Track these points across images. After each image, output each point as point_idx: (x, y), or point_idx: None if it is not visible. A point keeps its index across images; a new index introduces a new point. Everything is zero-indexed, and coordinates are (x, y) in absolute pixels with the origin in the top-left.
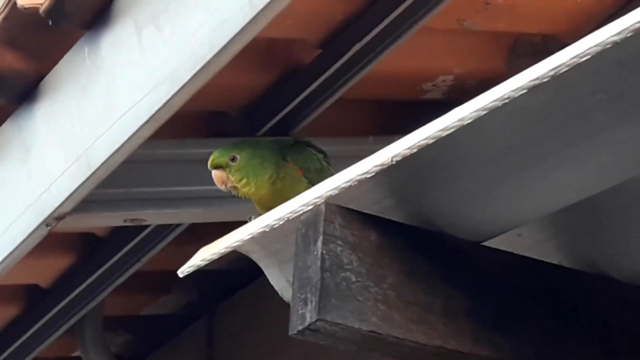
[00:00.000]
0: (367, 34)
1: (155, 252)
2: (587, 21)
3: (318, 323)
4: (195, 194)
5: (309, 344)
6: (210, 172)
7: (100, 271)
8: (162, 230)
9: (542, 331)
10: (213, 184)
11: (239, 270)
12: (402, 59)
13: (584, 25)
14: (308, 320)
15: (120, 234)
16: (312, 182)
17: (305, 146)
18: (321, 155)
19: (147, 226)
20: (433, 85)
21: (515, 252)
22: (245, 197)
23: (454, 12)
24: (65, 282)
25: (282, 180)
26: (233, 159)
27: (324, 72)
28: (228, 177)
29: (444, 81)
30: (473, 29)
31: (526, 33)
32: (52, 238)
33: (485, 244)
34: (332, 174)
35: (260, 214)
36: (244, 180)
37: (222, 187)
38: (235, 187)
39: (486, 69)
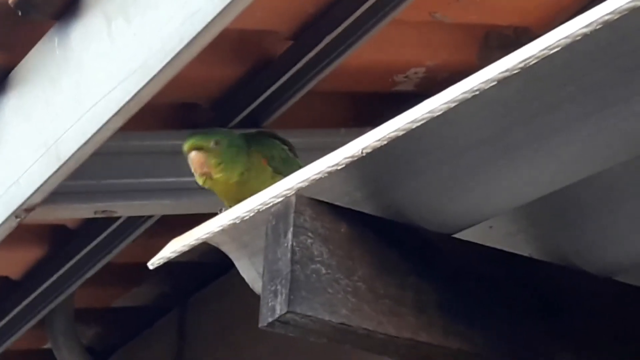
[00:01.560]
0: (339, 26)
1: (126, 244)
2: (558, 13)
3: (288, 315)
4: (166, 186)
5: (281, 335)
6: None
7: (71, 263)
8: (133, 222)
9: (513, 323)
10: (184, 175)
11: (211, 263)
12: (373, 51)
13: (555, 18)
14: (278, 313)
15: (91, 226)
16: (276, 171)
17: (269, 137)
18: (286, 147)
19: (118, 218)
20: (405, 77)
21: (486, 244)
22: (207, 186)
23: (425, 5)
24: (35, 274)
25: (248, 171)
26: (216, 143)
27: (295, 64)
28: (207, 160)
29: (415, 73)
30: (445, 21)
31: (498, 25)
32: (22, 230)
33: (456, 236)
34: (299, 165)
35: (229, 207)
36: (221, 166)
37: (199, 170)
38: (208, 173)
39: (458, 61)
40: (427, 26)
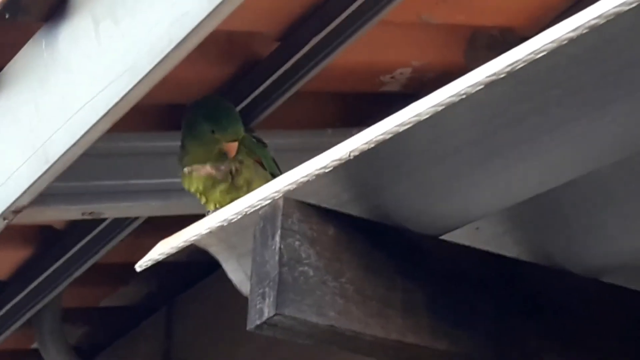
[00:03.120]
0: (326, 27)
1: (114, 244)
2: (544, 14)
3: (276, 318)
4: (154, 187)
5: (268, 336)
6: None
7: (58, 263)
8: (121, 222)
9: (501, 325)
10: (172, 176)
11: (199, 262)
12: (360, 52)
13: (541, 19)
14: (266, 315)
15: (79, 227)
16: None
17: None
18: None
19: (105, 219)
20: (391, 78)
21: (473, 245)
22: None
23: (412, 6)
24: (23, 274)
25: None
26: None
27: (282, 65)
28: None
29: (402, 73)
30: (431, 22)
31: (484, 26)
32: (9, 231)
33: (443, 237)
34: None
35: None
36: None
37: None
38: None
39: (444, 61)
40: (413, 27)
